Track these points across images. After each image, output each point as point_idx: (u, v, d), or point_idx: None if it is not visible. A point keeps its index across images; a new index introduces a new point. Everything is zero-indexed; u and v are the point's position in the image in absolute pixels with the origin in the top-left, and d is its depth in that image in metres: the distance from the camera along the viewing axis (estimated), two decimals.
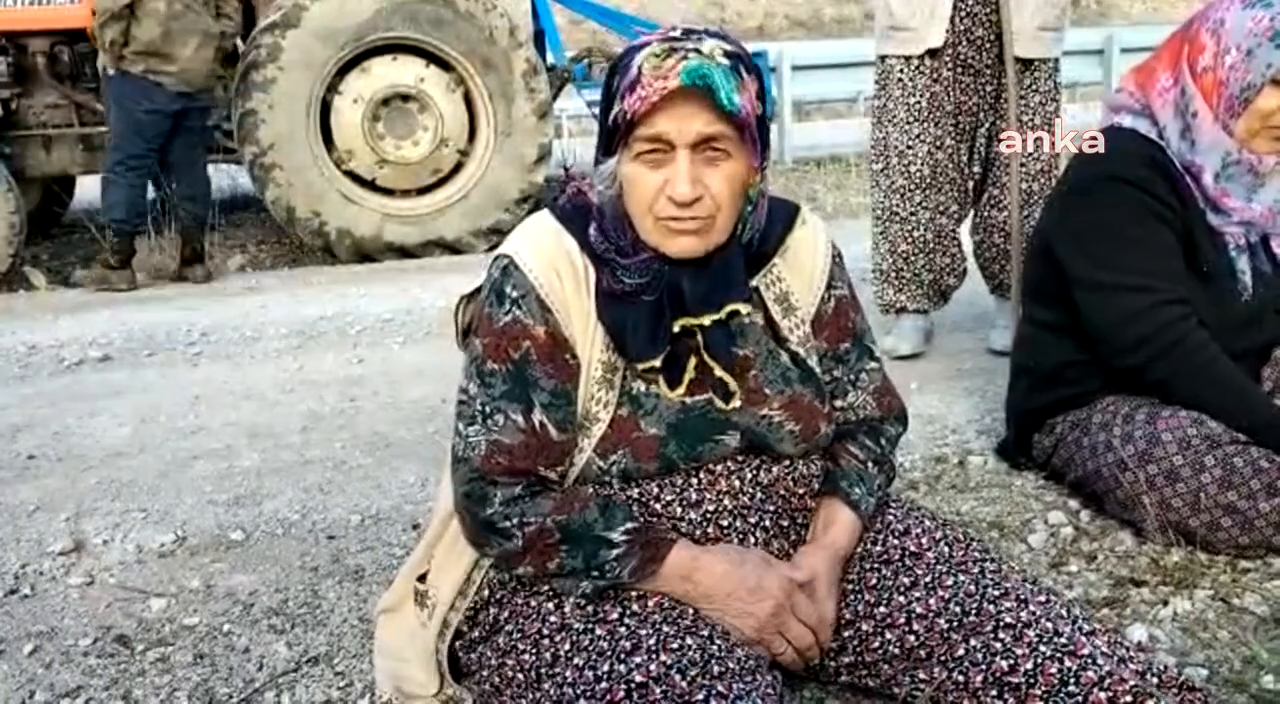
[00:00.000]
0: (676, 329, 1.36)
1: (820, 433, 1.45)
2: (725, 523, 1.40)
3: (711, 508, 1.39)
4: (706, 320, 1.36)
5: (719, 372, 1.38)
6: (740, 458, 1.41)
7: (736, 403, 1.39)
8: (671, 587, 1.34)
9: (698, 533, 1.39)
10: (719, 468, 1.40)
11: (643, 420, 1.37)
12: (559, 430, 1.36)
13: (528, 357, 1.35)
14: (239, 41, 5.88)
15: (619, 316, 1.36)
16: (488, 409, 1.36)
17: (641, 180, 1.32)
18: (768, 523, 1.43)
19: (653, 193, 1.31)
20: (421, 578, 1.50)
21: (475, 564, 1.43)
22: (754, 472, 1.42)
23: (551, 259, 1.38)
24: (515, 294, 1.37)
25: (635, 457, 1.36)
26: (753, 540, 1.41)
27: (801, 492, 1.45)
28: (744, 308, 1.38)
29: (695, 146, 1.29)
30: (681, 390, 1.37)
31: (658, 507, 1.39)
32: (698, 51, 1.28)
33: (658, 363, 1.36)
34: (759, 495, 1.41)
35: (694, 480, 1.39)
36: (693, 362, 1.38)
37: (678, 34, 1.31)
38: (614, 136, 1.33)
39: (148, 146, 5.23)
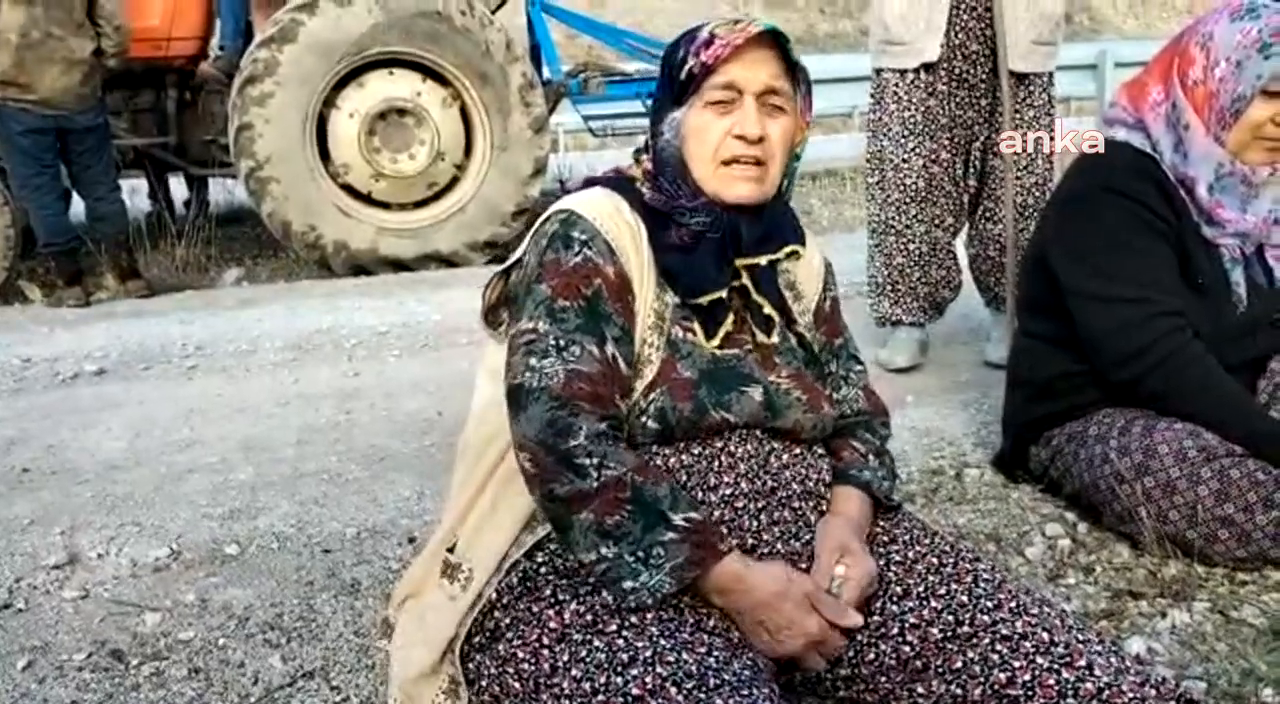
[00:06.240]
0: (737, 265, 1.49)
1: (824, 410, 1.53)
2: (740, 505, 1.42)
3: (729, 491, 1.42)
4: (763, 260, 1.51)
5: (767, 309, 1.51)
6: (757, 443, 1.45)
7: (775, 338, 1.50)
8: (706, 595, 1.34)
9: (715, 514, 1.40)
10: (739, 451, 1.44)
11: (679, 363, 1.44)
12: (627, 365, 1.42)
13: (600, 293, 1.43)
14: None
15: (679, 260, 1.47)
16: (563, 342, 1.39)
17: (710, 126, 1.46)
18: (778, 508, 1.45)
19: (720, 135, 1.46)
20: (450, 550, 1.48)
21: (514, 541, 1.42)
22: (769, 458, 1.46)
23: (608, 212, 1.48)
24: (583, 237, 1.45)
25: (672, 396, 1.42)
26: (764, 520, 1.43)
27: (815, 478, 1.50)
28: (801, 249, 1.57)
29: (760, 96, 1.45)
30: (716, 342, 1.46)
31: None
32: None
33: (723, 294, 1.46)
34: (770, 482, 1.45)
35: (714, 464, 1.43)
36: (730, 318, 1.48)
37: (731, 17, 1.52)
38: (685, 88, 1.47)
39: (40, 165, 5.23)
